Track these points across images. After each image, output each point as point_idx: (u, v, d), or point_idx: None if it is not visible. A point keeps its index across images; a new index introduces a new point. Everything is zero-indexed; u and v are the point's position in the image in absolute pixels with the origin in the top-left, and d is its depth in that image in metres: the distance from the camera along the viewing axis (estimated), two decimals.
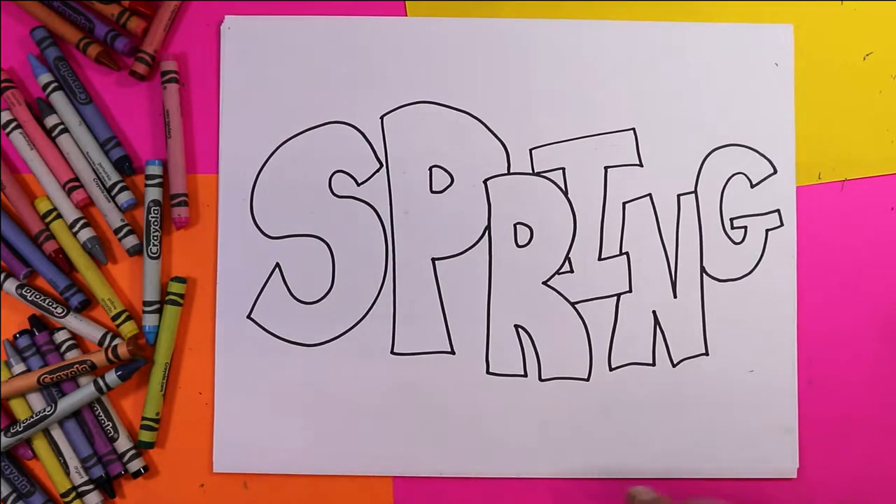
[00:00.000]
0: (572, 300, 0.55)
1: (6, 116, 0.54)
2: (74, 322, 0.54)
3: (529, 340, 0.55)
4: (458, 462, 0.55)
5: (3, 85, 0.55)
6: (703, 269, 0.55)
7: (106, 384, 0.53)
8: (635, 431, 0.55)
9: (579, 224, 0.55)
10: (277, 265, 0.55)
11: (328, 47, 0.56)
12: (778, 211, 0.56)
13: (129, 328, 0.54)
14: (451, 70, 0.56)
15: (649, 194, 0.55)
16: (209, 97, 0.56)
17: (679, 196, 0.55)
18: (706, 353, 0.55)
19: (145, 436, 0.54)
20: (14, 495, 0.54)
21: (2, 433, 0.53)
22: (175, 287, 0.54)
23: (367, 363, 0.55)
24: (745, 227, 0.55)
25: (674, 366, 0.55)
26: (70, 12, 0.55)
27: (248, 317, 0.55)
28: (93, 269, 0.54)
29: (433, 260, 0.55)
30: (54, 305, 0.54)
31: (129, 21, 0.55)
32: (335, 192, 0.55)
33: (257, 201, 0.55)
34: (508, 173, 0.55)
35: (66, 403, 0.53)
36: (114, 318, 0.54)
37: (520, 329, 0.55)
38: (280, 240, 0.55)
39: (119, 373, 0.53)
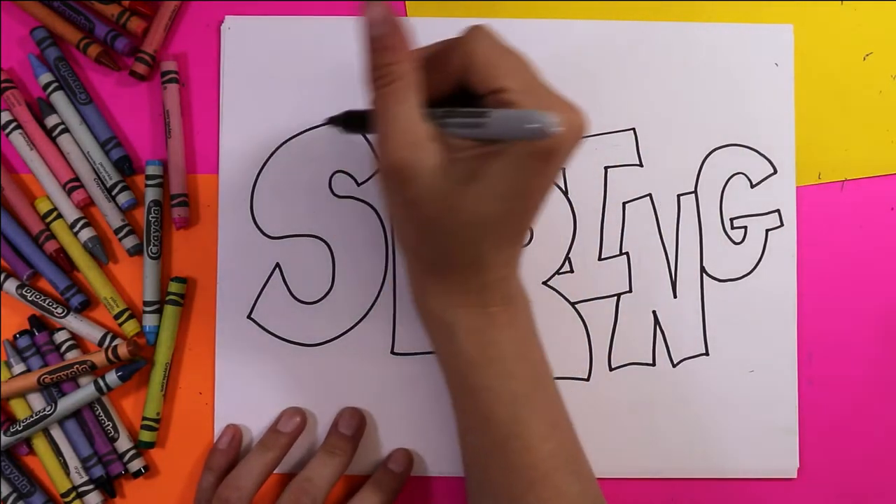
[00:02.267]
0: (572, 300, 0.55)
1: (6, 117, 0.54)
2: (74, 322, 0.54)
3: None
4: (458, 462, 0.54)
5: (3, 85, 0.55)
6: (703, 269, 0.55)
7: (106, 384, 0.53)
8: (635, 431, 0.55)
9: (579, 224, 0.55)
10: (277, 265, 0.55)
11: (328, 47, 0.55)
12: (778, 211, 0.56)
13: (131, 326, 0.54)
14: None
15: (649, 194, 0.55)
16: (209, 97, 0.56)
17: (679, 196, 0.55)
18: (706, 353, 0.55)
19: (146, 436, 0.54)
20: (14, 495, 0.54)
21: (1, 433, 0.53)
22: (175, 287, 0.54)
23: (367, 363, 0.55)
24: (745, 228, 0.55)
25: (674, 366, 0.55)
26: (70, 12, 0.55)
27: (249, 317, 0.55)
28: (94, 269, 0.54)
29: None
30: (54, 306, 0.54)
31: (129, 21, 0.55)
32: (335, 192, 0.55)
33: (257, 201, 0.55)
34: None
35: (66, 403, 0.53)
36: (116, 317, 0.54)
37: None
38: (280, 240, 0.55)
39: (119, 373, 0.53)
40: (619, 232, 0.55)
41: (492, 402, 0.46)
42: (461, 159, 0.42)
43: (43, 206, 0.54)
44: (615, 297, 0.55)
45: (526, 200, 0.44)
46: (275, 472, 0.54)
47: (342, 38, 0.55)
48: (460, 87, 0.44)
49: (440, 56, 0.44)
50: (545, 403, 0.47)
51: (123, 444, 0.54)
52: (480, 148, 0.42)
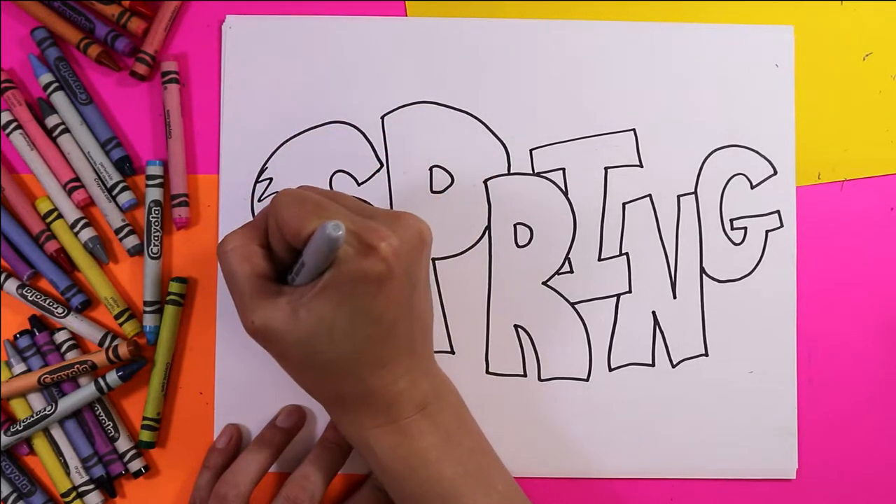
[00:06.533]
0: (572, 300, 0.55)
1: (7, 117, 0.54)
2: (75, 322, 0.54)
3: (529, 340, 0.55)
4: None
5: (3, 85, 0.55)
6: (702, 270, 0.55)
7: (107, 384, 0.53)
8: (635, 431, 0.55)
9: (579, 224, 0.56)
10: None
11: (328, 47, 0.55)
12: (778, 212, 0.56)
13: (131, 326, 0.54)
14: (451, 70, 0.56)
15: (649, 195, 0.55)
16: (210, 97, 0.56)
17: (679, 197, 0.55)
18: (706, 354, 0.55)
19: (146, 436, 0.54)
20: (14, 495, 0.54)
21: (2, 433, 0.53)
22: (175, 287, 0.54)
23: None
24: (745, 228, 0.55)
25: (673, 366, 0.55)
26: (70, 13, 0.55)
27: None
28: (94, 269, 0.54)
29: (433, 260, 0.55)
30: (55, 305, 0.54)
31: (129, 21, 0.55)
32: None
33: (258, 201, 0.55)
34: (508, 173, 0.56)
35: (66, 403, 0.53)
36: (116, 317, 0.54)
37: (519, 329, 0.55)
38: None
39: (120, 373, 0.53)
40: (619, 232, 0.55)
41: None
42: (304, 304, 0.44)
43: (43, 206, 0.54)
44: (615, 298, 0.55)
45: (380, 324, 0.44)
46: (274, 470, 0.54)
47: (342, 38, 0.55)
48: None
49: (271, 230, 0.46)
50: (480, 492, 0.48)
51: (124, 443, 0.54)
52: (314, 287, 0.43)
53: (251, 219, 0.55)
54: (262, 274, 0.45)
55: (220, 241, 0.46)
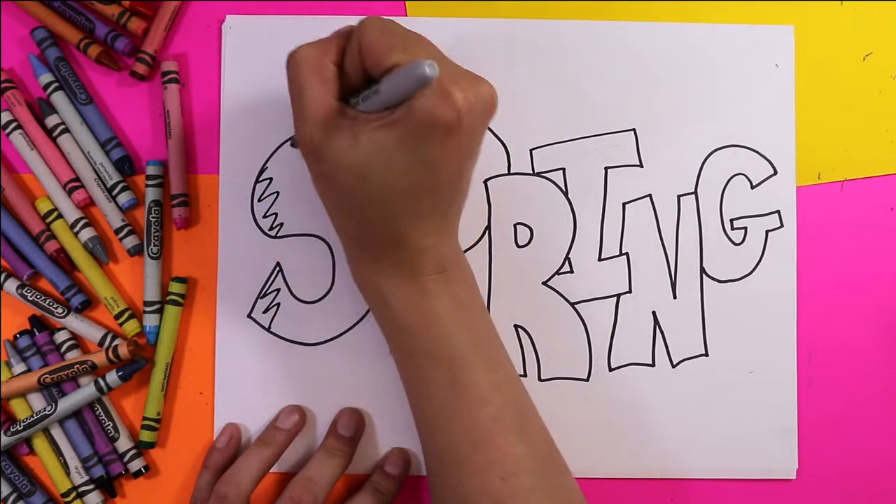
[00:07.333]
0: (572, 300, 0.55)
1: (6, 117, 0.54)
2: (75, 322, 0.54)
3: (529, 340, 0.55)
4: None
5: (3, 85, 0.55)
6: (702, 270, 0.55)
7: (107, 384, 0.53)
8: (635, 431, 0.55)
9: (579, 224, 0.56)
10: (278, 265, 0.55)
11: None
12: (778, 212, 0.56)
13: (131, 326, 0.54)
14: None
15: (649, 195, 0.55)
16: (210, 97, 0.56)
17: (679, 197, 0.55)
18: (706, 354, 0.55)
19: (146, 436, 0.54)
20: (14, 495, 0.54)
21: (2, 433, 0.53)
22: (175, 287, 0.54)
23: (367, 363, 0.55)
24: (746, 228, 0.55)
25: (673, 366, 0.55)
26: (70, 13, 0.55)
27: (249, 316, 0.55)
28: (94, 269, 0.54)
29: None
30: (55, 305, 0.54)
31: (129, 21, 0.55)
32: None
33: (257, 201, 0.55)
34: (508, 173, 0.55)
35: (66, 403, 0.53)
36: (116, 317, 0.54)
37: (520, 329, 0.55)
38: (280, 239, 0.55)
39: (120, 373, 0.53)
40: (619, 232, 0.55)
41: (431, 367, 0.47)
42: (367, 132, 0.43)
43: (43, 206, 0.54)
44: (615, 298, 0.55)
45: (434, 174, 0.44)
46: (274, 471, 0.54)
47: None
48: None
49: (350, 51, 0.45)
50: (485, 366, 0.48)
51: (124, 443, 0.54)
52: (383, 119, 0.43)
53: (251, 218, 0.55)
54: (330, 91, 0.45)
55: (291, 50, 0.46)
